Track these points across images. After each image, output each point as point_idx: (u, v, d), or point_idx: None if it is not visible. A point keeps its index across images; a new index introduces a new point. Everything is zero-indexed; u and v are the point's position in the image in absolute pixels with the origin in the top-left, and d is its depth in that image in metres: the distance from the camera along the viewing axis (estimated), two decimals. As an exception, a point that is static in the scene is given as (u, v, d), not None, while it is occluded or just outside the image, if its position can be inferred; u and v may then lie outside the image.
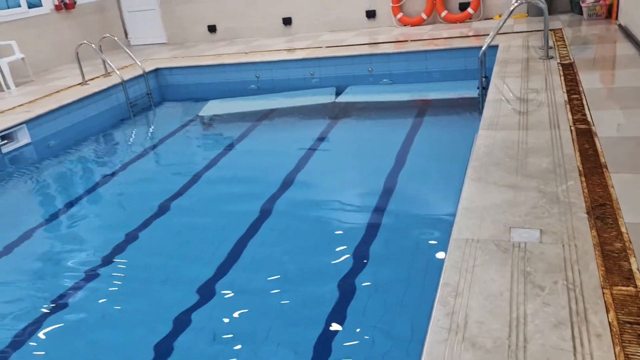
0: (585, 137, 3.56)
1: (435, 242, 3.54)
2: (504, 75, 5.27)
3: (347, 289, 3.21)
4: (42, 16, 9.40)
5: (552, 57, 5.68)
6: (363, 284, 3.25)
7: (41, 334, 3.15)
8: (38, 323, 3.24)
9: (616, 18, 7.15)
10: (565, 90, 4.54)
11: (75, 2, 9.94)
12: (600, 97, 4.41)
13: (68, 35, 9.73)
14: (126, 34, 11.10)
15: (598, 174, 3.03)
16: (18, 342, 3.10)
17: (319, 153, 5.56)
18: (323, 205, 4.42)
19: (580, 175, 3.02)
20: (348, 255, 3.54)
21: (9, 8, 8.80)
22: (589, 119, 3.87)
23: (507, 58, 5.99)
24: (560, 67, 5.28)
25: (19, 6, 8.99)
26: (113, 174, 5.69)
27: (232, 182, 5.09)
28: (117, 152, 6.58)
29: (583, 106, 4.15)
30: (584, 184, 2.92)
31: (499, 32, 5.80)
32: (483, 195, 2.92)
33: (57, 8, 9.67)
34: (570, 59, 5.58)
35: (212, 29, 10.38)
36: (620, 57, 5.66)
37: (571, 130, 3.68)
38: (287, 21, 9.87)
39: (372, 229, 3.88)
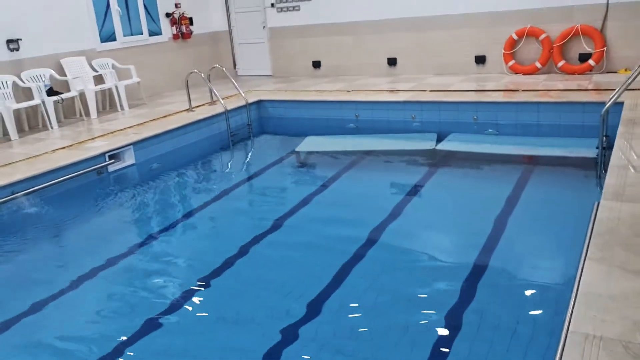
0: None
1: (536, 330, 3.05)
2: (631, 138, 4.74)
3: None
4: (160, 44, 10.00)
5: (689, 121, 5.05)
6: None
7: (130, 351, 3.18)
8: (128, 339, 3.30)
9: None
10: None
11: (192, 33, 10.50)
12: None
13: (182, 62, 10.26)
14: (235, 65, 11.53)
15: None
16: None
17: (414, 203, 5.28)
18: (413, 260, 4.11)
19: None
20: (436, 321, 3.22)
21: (132, 35, 9.44)
22: None
23: (635, 118, 5.42)
24: (700, 133, 4.66)
25: (141, 33, 9.63)
26: (207, 202, 5.76)
27: (322, 223, 4.94)
28: (213, 180, 6.70)
29: None
30: None
31: (627, 87, 5.26)
32: (608, 282, 2.51)
33: (175, 37, 10.25)
34: None
35: (316, 64, 10.51)
36: None
37: None
38: (392, 61, 9.77)
39: (465, 296, 3.52)
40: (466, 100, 7.14)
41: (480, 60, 9.01)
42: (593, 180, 5.25)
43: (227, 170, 7.09)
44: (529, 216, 4.69)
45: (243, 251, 4.40)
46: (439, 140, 6.96)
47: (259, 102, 8.67)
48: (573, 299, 2.45)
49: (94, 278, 4.15)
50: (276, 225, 4.87)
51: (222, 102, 7.72)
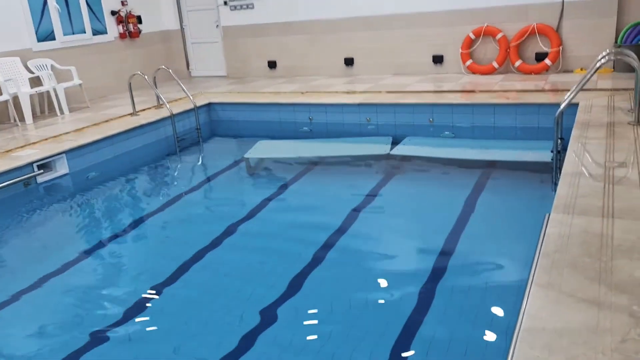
0: (691, 236, 2.82)
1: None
2: (585, 142, 4.55)
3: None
4: (105, 43, 9.49)
5: (643, 123, 4.89)
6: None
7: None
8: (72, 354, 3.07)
9: None
10: (661, 168, 3.77)
11: (140, 32, 10.01)
12: None
13: (130, 63, 9.76)
14: (188, 65, 11.08)
15: None
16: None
17: (368, 210, 4.99)
18: (367, 267, 3.94)
19: (688, 296, 2.30)
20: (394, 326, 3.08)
21: (73, 34, 8.91)
22: (695, 211, 3.11)
23: (589, 120, 5.25)
24: (654, 137, 4.50)
25: (84, 32, 9.10)
26: (149, 214, 5.37)
27: (271, 236, 4.64)
28: (157, 189, 6.29)
29: (686, 192, 3.38)
30: (694, 311, 2.20)
31: (581, 88, 5.08)
32: (554, 312, 2.25)
33: (122, 36, 9.75)
34: (666, 127, 4.78)
35: (272, 64, 10.16)
36: None
37: (672, 225, 2.94)
38: (349, 61, 9.49)
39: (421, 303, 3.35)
40: (422, 102, 6.91)
41: (437, 60, 8.80)
42: (549, 186, 5.06)
43: (172, 177, 6.69)
44: (484, 229, 4.44)
45: (193, 260, 4.15)
46: (395, 143, 6.71)
47: (209, 105, 8.29)
48: (516, 334, 2.18)
49: (32, 293, 3.84)
50: (227, 233, 4.61)
51: (167, 105, 7.31)
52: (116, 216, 5.45)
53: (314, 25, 9.58)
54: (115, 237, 4.81)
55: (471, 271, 3.79)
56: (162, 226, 5.14)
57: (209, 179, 6.46)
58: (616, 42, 7.48)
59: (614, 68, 7.55)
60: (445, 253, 4.00)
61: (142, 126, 7.03)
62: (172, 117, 7.25)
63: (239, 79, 10.26)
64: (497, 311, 3.25)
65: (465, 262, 3.90)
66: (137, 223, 5.17)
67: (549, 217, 3.32)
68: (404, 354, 2.94)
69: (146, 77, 7.34)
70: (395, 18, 8.92)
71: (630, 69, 6.90)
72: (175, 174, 6.88)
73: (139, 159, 6.91)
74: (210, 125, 8.28)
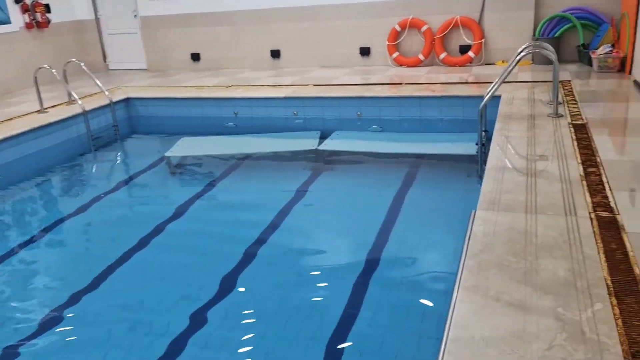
0: (610, 230, 2.83)
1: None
2: (507, 135, 4.58)
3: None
4: (9, 34, 8.72)
5: (561, 115, 5.00)
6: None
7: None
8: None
9: (630, 72, 6.53)
10: (580, 161, 3.83)
11: (49, 21, 9.29)
12: (623, 172, 3.70)
13: (39, 55, 9.04)
14: (105, 58, 10.43)
15: (633, 293, 2.29)
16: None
17: (298, 208, 4.81)
18: (297, 271, 3.79)
19: (609, 294, 2.28)
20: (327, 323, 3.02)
21: (-29, 24, 8.14)
22: (612, 203, 3.15)
23: (511, 113, 5.31)
24: (572, 129, 4.60)
25: (-16, 22, 8.33)
26: (63, 218, 4.96)
27: (198, 236, 4.42)
28: (70, 192, 5.83)
29: (603, 184, 3.43)
30: (616, 310, 2.17)
31: (502, 81, 5.13)
32: (481, 319, 2.16)
33: (28, 26, 9.01)
34: (582, 118, 4.90)
35: (195, 57, 9.74)
36: None
37: (591, 219, 2.95)
38: (275, 54, 9.24)
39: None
40: (349, 96, 6.80)
41: (365, 52, 8.74)
42: (475, 179, 5.08)
43: (87, 179, 6.21)
44: (413, 224, 4.39)
45: (117, 264, 3.91)
46: (323, 137, 6.56)
47: (127, 100, 7.80)
48: (444, 344, 2.08)
49: None
50: (152, 234, 4.34)
51: (79, 101, 6.79)
52: (26, 222, 5.00)
53: (239, 15, 9.25)
54: (26, 244, 4.42)
55: (402, 267, 3.76)
56: (79, 230, 4.78)
57: (128, 179, 6.04)
58: (534, 35, 7.69)
59: (532, 60, 7.75)
60: (376, 249, 3.94)
61: (50, 125, 6.48)
62: (85, 113, 6.75)
63: (161, 72, 9.77)
64: (427, 309, 3.20)
65: (396, 257, 3.87)
66: (50, 228, 4.76)
67: (474, 215, 3.27)
68: (338, 349, 2.88)
69: (54, 70, 6.77)
70: (322, 9, 8.76)
71: (548, 61, 7.11)
72: (90, 174, 6.40)
73: (47, 160, 6.37)
74: (129, 122, 7.80)
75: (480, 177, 5.03)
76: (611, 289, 2.31)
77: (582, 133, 4.47)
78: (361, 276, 3.57)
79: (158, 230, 4.50)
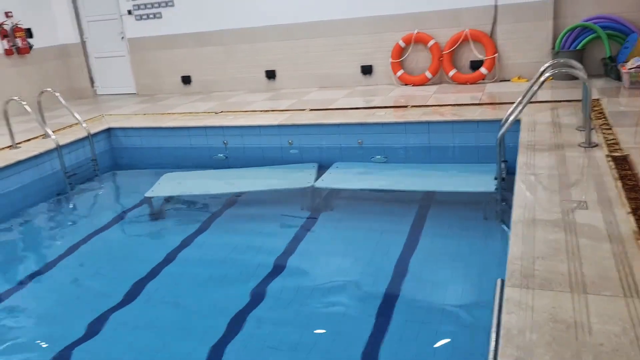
0: (690, 322, 2.09)
1: None
2: (533, 173, 3.84)
3: None
4: (-14, 62, 8.17)
5: (595, 145, 4.26)
6: None
7: None
8: None
9: (665, 88, 5.78)
10: (630, 209, 3.08)
11: (31, 47, 8.72)
12: (686, 225, 2.95)
13: (20, 84, 8.47)
14: (92, 83, 9.85)
15: None
16: None
17: (292, 264, 4.14)
18: (292, 327, 3.31)
19: None
20: None
21: (-59, 53, 7.58)
22: (684, 276, 2.41)
23: (534, 141, 4.58)
24: (612, 163, 3.85)
25: (-44, 51, 7.77)
26: (23, 279, 4.35)
27: (188, 287, 3.95)
28: (37, 245, 5.20)
29: (666, 245, 2.69)
30: None
31: (524, 107, 4.41)
32: None
33: (7, 52, 8.44)
34: (621, 149, 4.15)
35: (186, 80, 9.12)
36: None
37: (661, 303, 2.22)
38: (270, 74, 8.59)
39: None
40: (349, 122, 6.10)
41: (366, 70, 8.06)
42: (493, 223, 4.37)
43: (55, 228, 5.55)
44: (427, 278, 3.71)
45: (94, 325, 3.50)
46: (322, 169, 5.88)
47: (108, 130, 7.17)
48: None
49: None
50: (123, 302, 3.78)
51: (51, 135, 6.17)
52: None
53: (229, 35, 8.63)
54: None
55: (417, 325, 3.23)
56: (46, 289, 4.18)
57: (102, 227, 5.33)
58: (554, 47, 6.97)
59: (552, 76, 7.01)
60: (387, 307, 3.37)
61: (17, 163, 5.84)
62: (58, 148, 6.11)
63: (150, 97, 9.16)
64: None
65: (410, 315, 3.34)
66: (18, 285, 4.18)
67: (502, 285, 2.57)
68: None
69: (24, 102, 6.15)
70: (316, 25, 8.11)
71: (571, 76, 6.40)
72: (61, 219, 5.75)
73: (16, 203, 5.73)
74: (111, 154, 7.16)
75: (502, 221, 4.33)
76: None
77: (624, 169, 3.72)
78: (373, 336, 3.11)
79: (135, 289, 3.94)
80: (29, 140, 6.67)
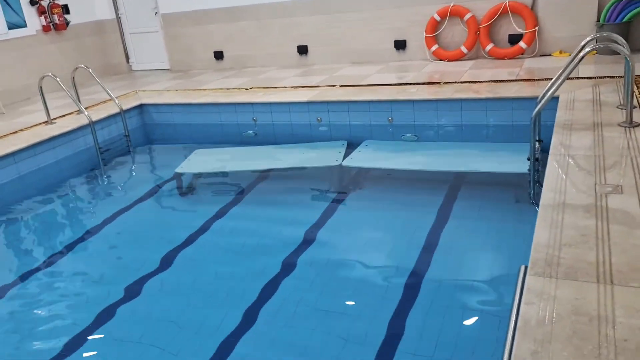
0: None
1: None
2: (567, 153, 3.66)
3: None
4: (25, 38, 8.34)
5: (637, 125, 4.02)
6: None
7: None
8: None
9: None
10: (669, 195, 2.90)
11: (67, 23, 8.85)
12: None
13: (58, 59, 8.65)
14: (127, 58, 9.96)
15: None
16: None
17: (321, 238, 4.12)
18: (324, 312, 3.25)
19: None
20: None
21: (-19, 29, 7.77)
22: None
23: (572, 120, 4.36)
24: (653, 144, 3.63)
25: (-4, 27, 7.96)
26: (62, 249, 4.45)
27: (212, 265, 3.92)
28: (75, 215, 5.33)
29: None
30: None
31: (561, 84, 4.19)
32: None
33: (45, 29, 8.59)
34: (664, 129, 3.91)
35: (218, 55, 9.10)
36: None
37: (696, 297, 2.07)
38: (302, 50, 8.48)
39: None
40: (379, 99, 5.96)
41: (400, 45, 7.85)
42: (526, 205, 4.21)
43: (90, 201, 5.67)
44: (454, 266, 3.61)
45: (122, 301, 3.54)
46: (351, 146, 5.80)
47: (141, 107, 7.24)
48: None
49: None
50: (150, 275, 3.82)
51: (84, 111, 6.27)
52: (22, 253, 4.54)
53: (262, 9, 8.53)
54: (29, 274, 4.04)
55: (445, 301, 3.22)
56: (79, 261, 4.25)
57: (133, 202, 5.40)
58: (598, 20, 6.59)
59: (596, 50, 6.66)
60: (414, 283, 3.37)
61: (52, 138, 5.97)
62: (92, 124, 6.22)
63: (184, 72, 9.20)
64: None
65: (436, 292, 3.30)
66: (53, 257, 4.31)
67: (525, 271, 2.46)
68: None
69: (58, 79, 6.26)
70: (352, 0, 7.92)
71: (616, 51, 6.04)
72: (93, 194, 5.87)
73: (50, 178, 5.87)
74: (143, 130, 7.25)
75: (535, 203, 4.16)
76: None
77: (666, 151, 3.51)
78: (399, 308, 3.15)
79: (166, 260, 4.00)
80: (64, 116, 6.80)
